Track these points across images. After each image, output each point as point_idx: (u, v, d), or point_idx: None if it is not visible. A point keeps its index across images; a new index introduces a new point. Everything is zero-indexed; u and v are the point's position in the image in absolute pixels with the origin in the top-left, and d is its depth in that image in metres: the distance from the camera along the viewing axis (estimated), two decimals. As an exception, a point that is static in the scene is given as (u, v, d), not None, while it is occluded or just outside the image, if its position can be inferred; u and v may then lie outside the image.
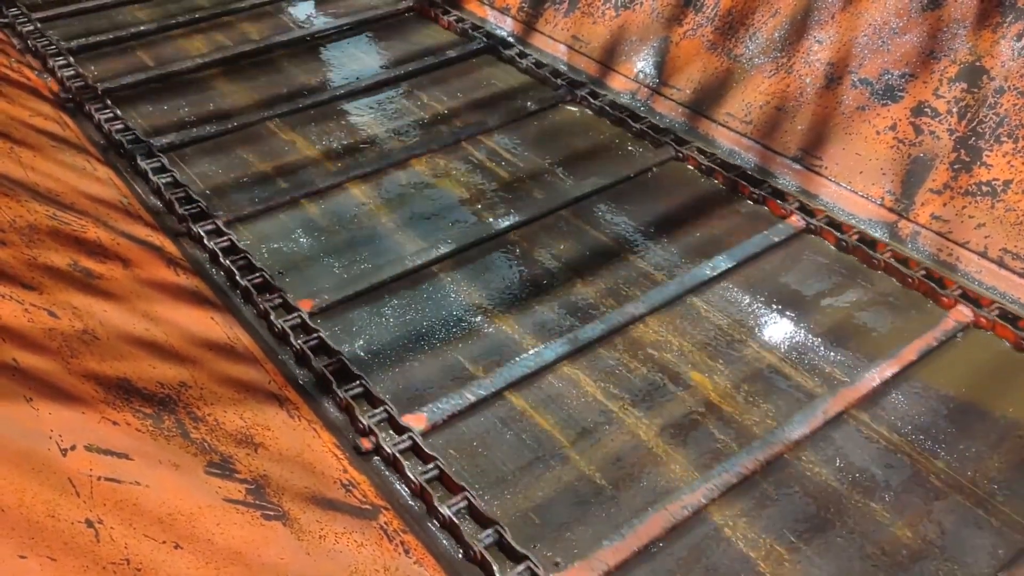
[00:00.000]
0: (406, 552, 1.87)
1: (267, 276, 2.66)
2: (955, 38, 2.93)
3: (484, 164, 3.35)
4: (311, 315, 2.56)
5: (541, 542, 2.01)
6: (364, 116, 3.67)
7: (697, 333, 2.58)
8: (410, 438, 2.17)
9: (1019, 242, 2.66)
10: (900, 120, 3.00)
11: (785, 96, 3.29)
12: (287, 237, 2.98)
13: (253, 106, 3.71)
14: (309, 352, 2.39)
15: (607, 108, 3.55)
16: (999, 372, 2.44)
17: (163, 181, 3.07)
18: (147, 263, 2.53)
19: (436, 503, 2.01)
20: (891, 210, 2.94)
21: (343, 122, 3.63)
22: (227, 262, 2.70)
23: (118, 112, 3.48)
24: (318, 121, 3.61)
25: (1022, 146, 2.72)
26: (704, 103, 3.49)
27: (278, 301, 2.59)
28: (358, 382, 2.32)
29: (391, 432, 2.21)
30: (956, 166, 2.85)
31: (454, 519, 1.97)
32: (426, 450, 2.13)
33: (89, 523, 1.35)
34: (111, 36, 4.15)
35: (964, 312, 2.57)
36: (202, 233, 2.83)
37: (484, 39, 4.11)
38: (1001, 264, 2.68)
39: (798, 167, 3.18)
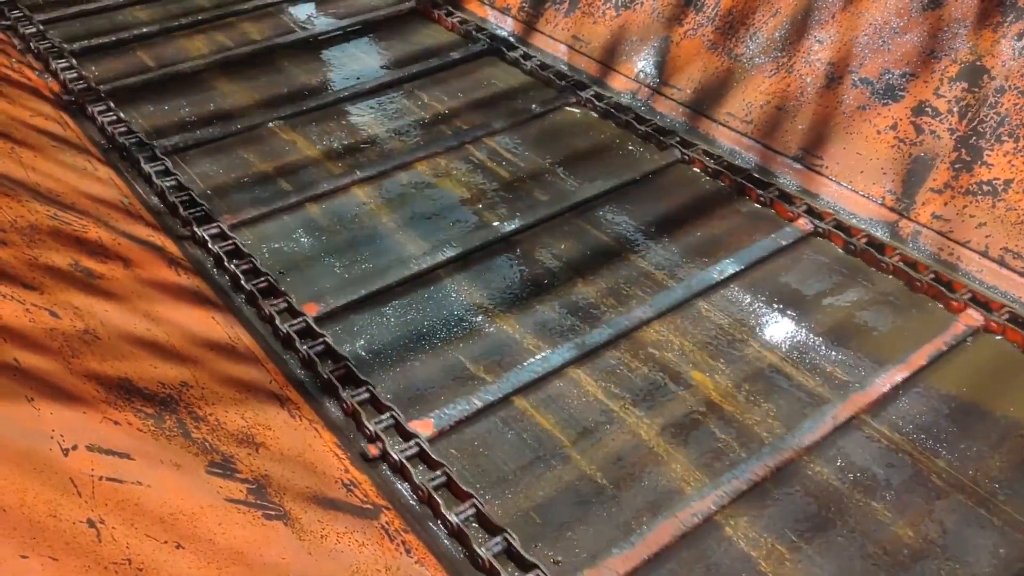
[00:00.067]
0: (407, 552, 1.87)
1: (272, 280, 2.66)
2: (956, 37, 2.93)
3: (485, 164, 3.35)
4: (316, 320, 2.54)
5: (542, 542, 2.01)
6: (365, 116, 3.67)
7: (698, 333, 2.58)
8: (417, 444, 2.16)
9: (1020, 241, 2.66)
10: (901, 119, 3.00)
11: (786, 96, 3.29)
12: (288, 237, 2.98)
13: (254, 106, 3.72)
14: (315, 358, 2.38)
15: (612, 110, 3.54)
16: (1000, 372, 2.44)
17: (167, 184, 3.07)
18: (148, 263, 2.53)
19: (444, 510, 1.99)
20: (892, 209, 2.94)
21: (344, 122, 3.63)
22: (231, 266, 2.70)
23: (121, 115, 3.48)
24: (319, 121, 3.62)
25: (1023, 145, 2.72)
26: (705, 103, 3.49)
27: (283, 305, 2.58)
28: (364, 388, 2.30)
29: (398, 438, 2.20)
30: (957, 165, 2.84)
31: (462, 527, 1.96)
32: (434, 456, 2.12)
33: (91, 523, 1.35)
34: (113, 38, 4.16)
35: (974, 316, 2.55)
36: (206, 237, 2.83)
37: (487, 41, 4.10)
38: (1002, 263, 2.68)
39: (799, 167, 3.18)
